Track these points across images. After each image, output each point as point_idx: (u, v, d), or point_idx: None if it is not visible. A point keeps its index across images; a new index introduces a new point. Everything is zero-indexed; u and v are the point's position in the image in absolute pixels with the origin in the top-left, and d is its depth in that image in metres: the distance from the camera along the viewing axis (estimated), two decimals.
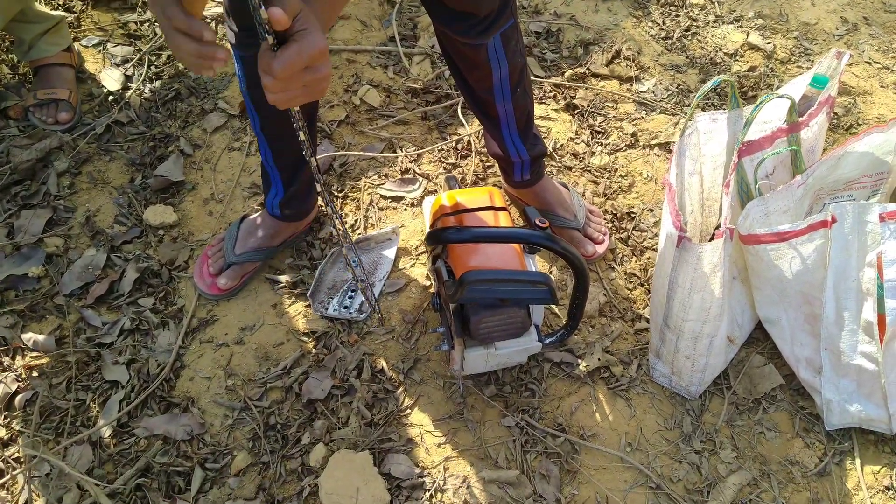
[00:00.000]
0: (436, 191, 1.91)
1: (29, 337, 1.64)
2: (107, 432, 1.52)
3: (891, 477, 1.45)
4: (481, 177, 1.93)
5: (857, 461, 1.47)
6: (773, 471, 1.47)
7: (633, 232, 1.84)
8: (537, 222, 1.47)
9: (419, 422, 1.54)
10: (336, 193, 1.90)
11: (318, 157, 1.92)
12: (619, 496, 1.44)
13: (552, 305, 1.69)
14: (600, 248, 1.76)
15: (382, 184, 1.92)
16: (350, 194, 1.90)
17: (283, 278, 1.74)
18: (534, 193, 1.75)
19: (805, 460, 1.48)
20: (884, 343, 1.37)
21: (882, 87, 2.13)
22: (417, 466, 1.47)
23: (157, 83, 2.14)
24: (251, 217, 1.75)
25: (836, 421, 1.49)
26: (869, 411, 1.45)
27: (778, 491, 1.44)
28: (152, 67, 2.18)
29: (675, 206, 1.41)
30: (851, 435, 1.50)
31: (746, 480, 1.45)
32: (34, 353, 1.63)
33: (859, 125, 2.04)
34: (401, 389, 1.58)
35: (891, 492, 1.43)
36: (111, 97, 2.11)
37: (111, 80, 2.14)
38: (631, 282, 1.75)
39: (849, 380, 1.46)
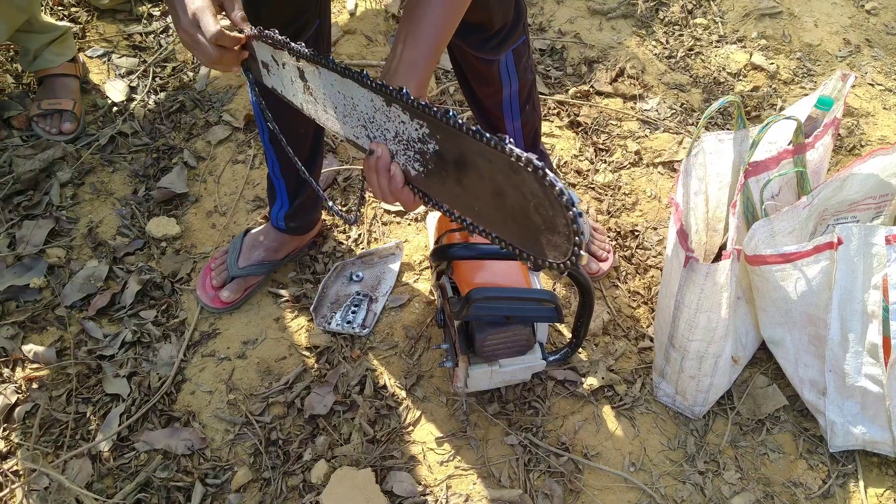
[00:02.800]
0: None
1: (29, 348, 1.63)
2: (107, 446, 1.51)
3: (894, 500, 1.44)
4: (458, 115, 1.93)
5: (861, 483, 1.46)
6: (777, 492, 1.46)
7: (637, 250, 1.84)
8: None
9: (422, 439, 1.53)
10: (340, 207, 1.90)
11: (322, 171, 1.91)
12: None
13: (557, 323, 1.69)
14: (604, 266, 1.76)
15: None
16: (354, 209, 1.90)
17: (286, 292, 1.73)
18: None
19: (809, 482, 1.47)
20: (889, 365, 1.37)
21: (885, 108, 2.14)
22: (420, 484, 1.46)
23: (162, 95, 2.14)
24: (255, 230, 1.75)
25: (839, 443, 1.49)
26: (873, 433, 1.45)
27: None
28: (157, 79, 2.18)
29: (683, 226, 1.40)
30: (855, 457, 1.50)
31: (750, 502, 1.44)
32: (34, 365, 1.62)
33: (862, 147, 2.04)
34: (403, 406, 1.57)
35: None
36: (115, 108, 2.11)
37: (115, 91, 2.14)
38: (635, 300, 1.75)
39: (853, 402, 1.46)
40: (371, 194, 1.32)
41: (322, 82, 1.05)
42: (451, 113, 0.88)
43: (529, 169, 0.81)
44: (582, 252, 0.83)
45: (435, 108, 0.89)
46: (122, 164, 1.98)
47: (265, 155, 1.56)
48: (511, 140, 0.83)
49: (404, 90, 0.91)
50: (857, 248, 1.39)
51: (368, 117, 1.01)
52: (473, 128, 0.86)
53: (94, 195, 1.93)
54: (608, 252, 1.78)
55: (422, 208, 1.90)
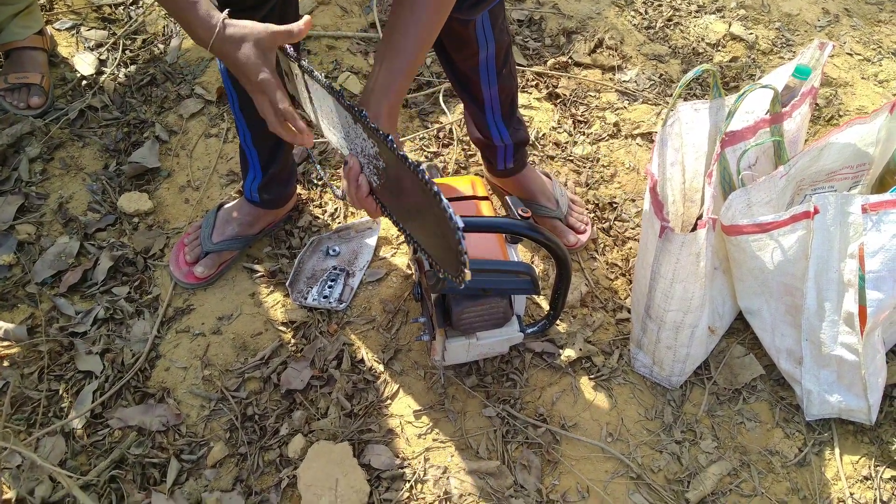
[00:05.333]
0: None
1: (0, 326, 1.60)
2: (80, 423, 1.49)
3: (869, 467, 1.46)
4: (463, 165, 1.91)
5: (837, 451, 1.48)
6: (753, 461, 1.47)
7: (615, 222, 1.83)
8: (519, 212, 1.46)
9: (399, 412, 1.52)
10: (315, 181, 1.87)
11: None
12: (600, 486, 1.43)
13: (534, 295, 1.68)
14: (582, 238, 1.75)
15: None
16: (330, 182, 1.87)
17: (262, 267, 1.71)
18: (516, 182, 1.74)
19: (785, 450, 1.48)
20: (864, 334, 1.38)
21: (863, 78, 2.14)
22: (398, 457, 1.46)
23: (132, 68, 2.10)
24: (228, 205, 1.72)
25: (815, 411, 1.50)
26: (849, 402, 1.46)
27: (758, 481, 1.45)
28: (127, 52, 2.13)
29: (658, 196, 1.40)
30: (831, 425, 1.51)
31: (726, 470, 1.45)
32: (5, 343, 1.59)
33: (840, 117, 2.04)
34: (381, 380, 1.56)
35: (869, 481, 1.44)
36: (84, 82, 2.06)
37: (85, 64, 2.09)
38: (612, 272, 1.74)
39: (829, 370, 1.47)
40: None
41: (318, 95, 1.17)
42: (389, 137, 1.03)
43: (429, 191, 0.98)
44: (466, 270, 1.00)
45: (380, 132, 1.03)
46: (92, 138, 1.94)
47: (236, 124, 1.53)
48: (423, 168, 0.99)
49: (363, 112, 1.05)
50: (834, 217, 1.38)
51: (347, 132, 1.15)
52: (401, 153, 1.01)
53: (64, 170, 1.89)
54: (586, 224, 1.77)
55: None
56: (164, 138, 1.94)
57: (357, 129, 1.10)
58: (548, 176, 1.80)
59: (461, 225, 0.97)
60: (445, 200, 0.97)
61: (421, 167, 1.00)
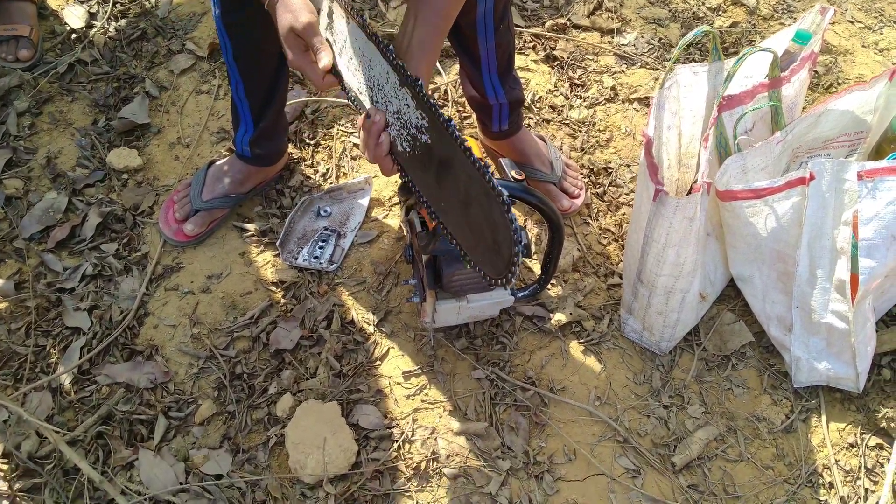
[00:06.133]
0: None
1: None
2: (67, 379, 1.48)
3: (855, 434, 1.46)
4: (458, 128, 1.89)
5: (824, 418, 1.48)
6: (740, 426, 1.48)
7: (610, 187, 1.81)
8: (513, 174, 1.44)
9: (389, 373, 1.52)
10: (308, 141, 1.85)
11: (289, 103, 1.86)
12: (587, 449, 1.44)
13: (526, 259, 1.67)
14: (576, 203, 1.73)
15: (355, 132, 1.87)
16: (322, 142, 1.85)
17: (252, 226, 1.70)
18: (511, 145, 1.72)
19: (772, 417, 1.49)
20: (855, 302, 1.37)
21: (864, 46, 2.11)
22: (386, 417, 1.46)
23: (123, 21, 2.06)
24: (219, 162, 1.70)
25: (804, 378, 1.50)
26: (837, 369, 1.46)
27: (744, 446, 1.45)
28: (117, 5, 2.09)
29: (653, 159, 1.38)
30: (819, 393, 1.51)
31: (713, 435, 1.46)
32: None
33: (839, 84, 2.02)
34: (371, 341, 1.56)
35: (855, 448, 1.45)
36: (74, 35, 2.02)
37: (74, 17, 2.05)
38: (605, 237, 1.73)
39: (819, 338, 1.47)
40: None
41: (348, 32, 1.14)
42: (452, 123, 1.00)
43: (499, 200, 0.97)
44: (514, 280, 1.02)
45: (440, 113, 1.01)
46: (81, 93, 1.91)
47: (228, 74, 1.50)
48: (493, 171, 0.98)
49: (419, 82, 1.02)
50: (829, 183, 1.37)
51: (378, 84, 1.11)
52: (467, 145, 0.99)
53: (53, 125, 1.86)
54: (580, 189, 1.75)
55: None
56: (154, 94, 1.91)
57: (401, 91, 1.06)
58: (543, 139, 1.78)
59: (524, 240, 0.98)
60: (513, 212, 0.97)
61: (489, 169, 0.98)
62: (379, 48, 1.07)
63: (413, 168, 1.14)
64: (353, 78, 1.19)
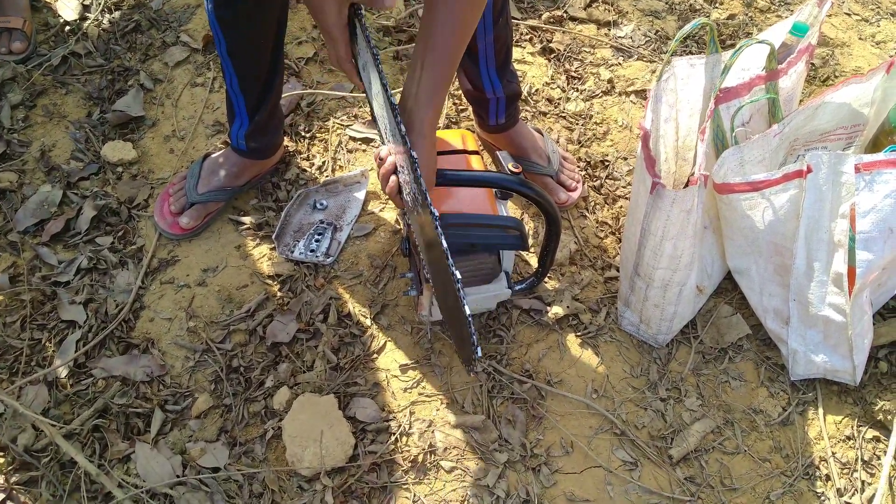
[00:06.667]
0: None
1: None
2: (63, 373, 1.48)
3: (852, 427, 1.47)
4: (454, 120, 1.88)
5: (820, 411, 1.48)
6: (737, 419, 1.48)
7: (606, 180, 1.81)
8: (510, 167, 1.44)
9: (386, 366, 1.52)
10: (303, 134, 1.84)
11: (284, 95, 1.85)
12: (584, 441, 1.44)
13: (522, 252, 1.67)
14: (573, 196, 1.73)
15: (351, 125, 1.87)
16: (318, 135, 1.84)
17: (248, 220, 1.69)
18: (508, 138, 1.71)
19: (769, 409, 1.49)
20: (852, 295, 1.37)
21: (860, 39, 2.11)
22: (383, 410, 1.46)
23: (117, 14, 2.04)
24: (214, 155, 1.69)
25: (801, 371, 1.50)
26: (834, 362, 1.46)
27: (741, 439, 1.45)
28: None
29: (650, 152, 1.38)
30: (815, 385, 1.52)
31: (710, 428, 1.46)
32: None
33: (836, 77, 2.01)
34: (368, 334, 1.55)
35: (851, 441, 1.45)
36: (68, 27, 2.01)
37: (68, 9, 2.04)
38: (602, 230, 1.73)
39: (816, 331, 1.47)
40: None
41: (373, 78, 1.17)
42: (428, 202, 1.04)
43: (458, 285, 1.03)
44: (477, 365, 1.17)
45: (423, 188, 1.05)
46: (75, 85, 1.90)
47: (222, 68, 1.49)
48: (451, 261, 1.03)
49: (416, 163, 1.07)
50: (827, 176, 1.37)
51: (392, 131, 1.15)
52: (437, 224, 1.04)
53: (47, 118, 1.85)
54: (577, 182, 1.75)
55: None
56: (148, 87, 1.90)
57: (399, 140, 1.10)
58: (539, 132, 1.78)
59: (468, 313, 1.01)
60: (462, 293, 1.02)
61: (451, 263, 1.03)
62: (388, 102, 1.10)
63: (410, 217, 1.18)
64: (377, 115, 1.24)
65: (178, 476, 1.37)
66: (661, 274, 1.43)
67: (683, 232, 1.36)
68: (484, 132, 1.75)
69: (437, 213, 1.04)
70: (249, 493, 1.36)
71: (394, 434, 1.42)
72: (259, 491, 1.36)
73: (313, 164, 1.79)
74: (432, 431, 1.43)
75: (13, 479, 1.36)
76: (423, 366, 1.52)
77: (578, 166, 1.81)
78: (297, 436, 1.39)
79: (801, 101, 1.73)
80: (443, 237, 1.03)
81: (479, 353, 1.04)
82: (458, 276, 1.04)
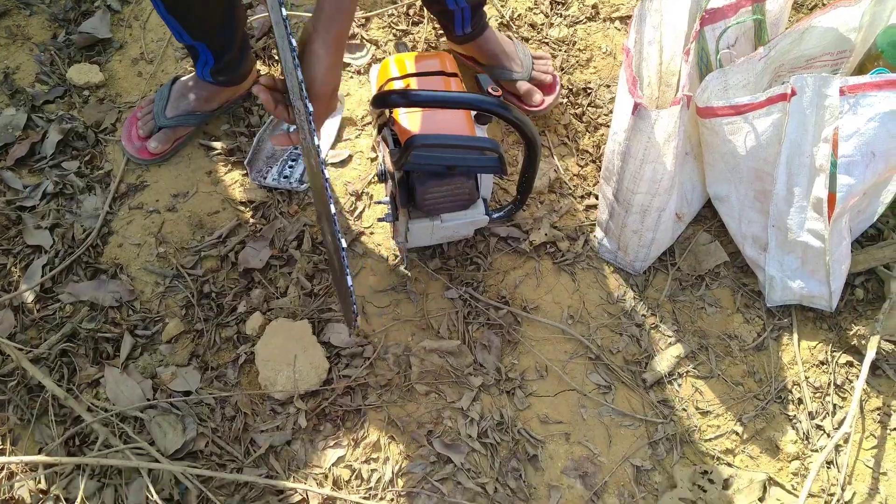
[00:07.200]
0: (384, 58, 1.80)
1: None
2: (29, 297, 1.45)
3: (826, 352, 1.47)
4: (433, 45, 1.83)
5: (795, 336, 1.49)
6: (712, 344, 1.48)
7: (588, 108, 1.77)
8: (490, 90, 1.40)
9: (361, 293, 1.50)
10: (276, 57, 1.78)
11: (255, 18, 1.78)
12: (559, 366, 1.43)
13: (501, 180, 1.64)
14: (548, 100, 1.68)
15: None
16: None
17: (219, 145, 1.64)
18: (478, 46, 1.66)
19: (744, 335, 1.49)
20: (832, 220, 1.36)
21: None
22: (358, 336, 1.44)
23: None
24: (184, 78, 1.63)
25: (777, 297, 1.50)
26: (811, 288, 1.46)
27: (715, 363, 1.46)
28: None
29: (633, 72, 1.34)
30: (791, 312, 1.51)
31: (684, 353, 1.46)
32: None
33: (824, 6, 1.97)
34: None
35: (825, 366, 1.46)
36: None
37: None
38: (583, 158, 1.70)
39: (794, 257, 1.46)
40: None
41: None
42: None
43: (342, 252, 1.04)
44: (356, 323, 1.18)
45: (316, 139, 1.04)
46: (39, 6, 1.82)
47: (169, 29, 1.40)
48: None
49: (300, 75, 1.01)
50: (811, 99, 1.34)
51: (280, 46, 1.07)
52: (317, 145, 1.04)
53: (10, 40, 1.78)
54: (553, 74, 1.68)
55: (366, 59, 1.80)
56: (115, 8, 1.83)
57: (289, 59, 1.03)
58: (509, 38, 1.72)
59: (351, 284, 1.05)
60: (346, 260, 1.03)
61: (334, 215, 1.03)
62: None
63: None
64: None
65: (148, 399, 1.35)
66: (640, 199, 1.41)
67: (664, 154, 1.33)
68: (454, 43, 1.70)
69: (320, 146, 1.02)
70: (222, 416, 1.35)
71: (368, 358, 1.41)
72: (231, 414, 1.35)
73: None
74: (407, 356, 1.42)
75: None
76: (398, 292, 1.50)
77: (554, 65, 1.75)
78: (270, 360, 1.38)
79: (787, 27, 1.69)
80: (328, 186, 1.05)
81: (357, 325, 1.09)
82: (344, 244, 1.05)
